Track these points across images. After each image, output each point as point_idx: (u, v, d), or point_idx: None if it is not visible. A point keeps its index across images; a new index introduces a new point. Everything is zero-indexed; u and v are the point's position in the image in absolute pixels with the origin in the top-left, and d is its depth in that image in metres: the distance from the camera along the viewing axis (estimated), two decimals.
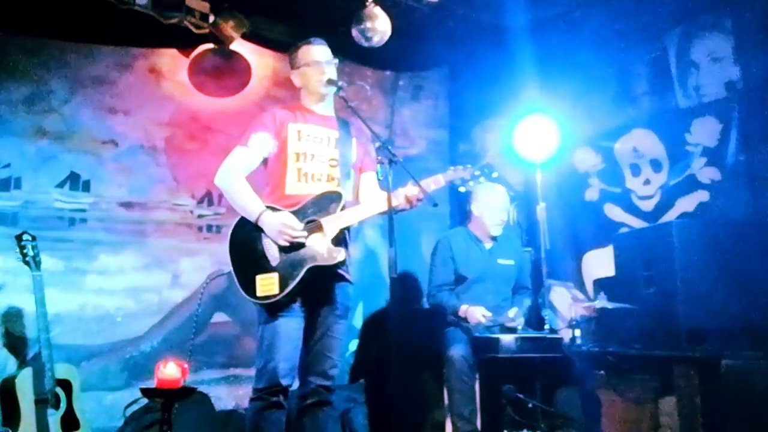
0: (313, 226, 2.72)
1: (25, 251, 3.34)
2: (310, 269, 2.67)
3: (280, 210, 2.75)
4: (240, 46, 4.27)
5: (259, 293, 2.66)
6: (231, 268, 2.74)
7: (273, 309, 2.70)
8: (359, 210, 2.78)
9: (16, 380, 3.20)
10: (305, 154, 2.86)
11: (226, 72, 4.34)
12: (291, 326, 2.71)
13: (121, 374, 3.92)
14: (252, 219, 2.72)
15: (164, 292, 4.14)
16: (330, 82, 2.86)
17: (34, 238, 3.39)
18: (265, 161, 2.90)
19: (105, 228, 4.02)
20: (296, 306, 2.73)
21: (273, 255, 2.69)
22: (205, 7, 3.95)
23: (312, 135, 2.90)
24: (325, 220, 2.72)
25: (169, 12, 3.82)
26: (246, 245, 2.73)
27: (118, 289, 3.99)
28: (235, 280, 2.72)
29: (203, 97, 4.34)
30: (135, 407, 3.66)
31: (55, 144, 3.95)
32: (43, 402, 3.21)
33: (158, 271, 4.14)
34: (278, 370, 2.66)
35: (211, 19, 3.98)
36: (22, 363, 3.55)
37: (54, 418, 3.23)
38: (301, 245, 2.69)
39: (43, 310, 3.29)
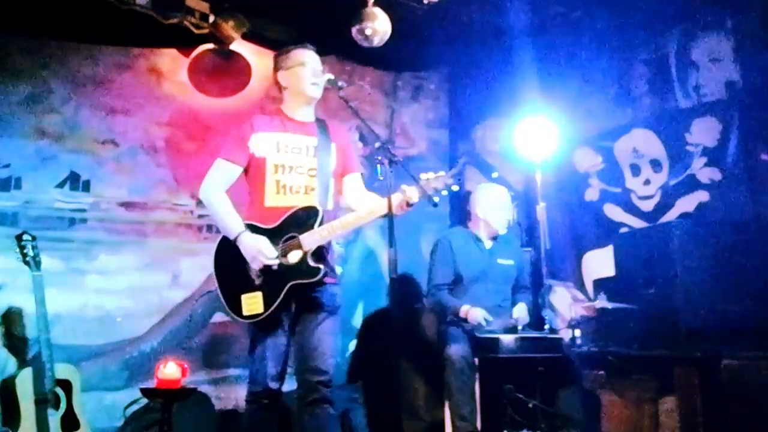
0: (292, 243, 2.73)
1: (25, 251, 3.34)
2: (292, 286, 2.71)
3: (259, 228, 2.77)
4: (240, 46, 4.27)
5: (245, 312, 2.71)
6: (217, 288, 2.80)
7: (260, 321, 2.74)
8: (336, 225, 2.77)
9: (16, 380, 3.20)
10: (284, 165, 2.85)
11: (226, 72, 4.34)
12: (277, 333, 2.77)
13: (121, 374, 3.92)
14: (230, 237, 2.76)
15: (164, 292, 4.14)
16: (330, 82, 2.85)
17: (34, 238, 3.39)
18: (245, 171, 2.89)
19: (105, 228, 4.02)
20: (282, 316, 2.77)
21: (256, 273, 2.73)
22: (205, 7, 3.95)
23: (291, 145, 2.89)
24: (303, 237, 2.73)
25: (169, 12, 3.82)
26: (229, 265, 2.77)
27: (118, 289, 3.99)
28: (222, 301, 2.77)
29: (203, 97, 4.34)
30: (135, 407, 3.66)
31: (55, 144, 3.95)
32: (43, 402, 3.21)
33: (158, 271, 4.14)
34: (267, 375, 2.74)
35: (211, 19, 3.98)
36: (22, 363, 3.54)
37: (54, 418, 3.23)
38: (281, 263, 2.72)
39: (43, 310, 3.29)
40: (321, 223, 2.76)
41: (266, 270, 2.71)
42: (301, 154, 2.89)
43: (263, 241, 2.72)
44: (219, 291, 2.79)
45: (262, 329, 2.77)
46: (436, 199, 2.65)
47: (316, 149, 2.91)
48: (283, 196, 2.84)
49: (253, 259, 2.70)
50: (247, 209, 2.86)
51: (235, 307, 2.73)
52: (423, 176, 2.69)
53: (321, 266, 2.73)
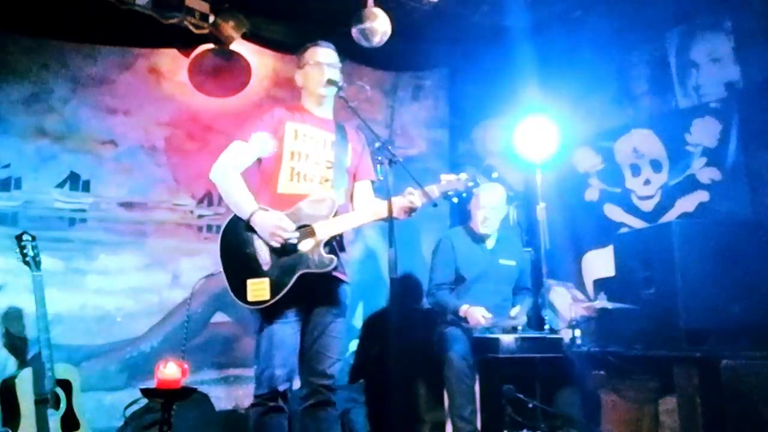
0: (305, 232, 2.69)
1: (25, 251, 3.34)
2: (302, 275, 2.65)
3: (273, 211, 2.71)
4: (240, 46, 4.27)
5: (250, 298, 2.62)
6: (222, 270, 2.69)
7: (268, 315, 2.68)
8: (352, 218, 2.77)
9: (16, 380, 3.20)
10: (300, 153, 2.84)
11: (226, 72, 4.34)
12: (286, 332, 2.70)
13: (121, 374, 3.92)
14: (244, 217, 2.69)
15: (164, 292, 4.14)
16: (330, 82, 2.85)
17: (34, 238, 3.39)
18: (259, 159, 2.87)
19: (105, 228, 4.02)
20: (291, 311, 2.71)
21: (264, 259, 2.66)
22: (205, 7, 3.95)
23: (308, 135, 2.88)
24: (317, 226, 2.69)
25: (169, 12, 3.81)
26: (237, 248, 2.69)
27: (118, 289, 4.00)
28: (226, 283, 2.67)
29: (203, 97, 4.34)
30: (135, 407, 3.66)
31: (55, 144, 3.95)
32: (43, 402, 3.21)
33: (158, 271, 4.14)
34: (275, 377, 2.66)
35: (211, 19, 3.98)
36: (22, 363, 3.56)
37: (54, 418, 3.23)
38: (294, 250, 2.66)
39: (43, 310, 3.29)
40: (336, 215, 2.73)
41: (279, 252, 2.64)
42: (318, 144, 2.89)
43: (281, 217, 2.65)
44: (223, 274, 2.68)
45: (270, 327, 2.68)
46: (455, 200, 2.75)
47: (334, 144, 2.91)
48: (296, 184, 2.81)
49: (271, 236, 2.62)
50: (258, 196, 2.80)
51: (240, 292, 2.64)
52: (444, 177, 2.76)
53: (333, 257, 2.68)
